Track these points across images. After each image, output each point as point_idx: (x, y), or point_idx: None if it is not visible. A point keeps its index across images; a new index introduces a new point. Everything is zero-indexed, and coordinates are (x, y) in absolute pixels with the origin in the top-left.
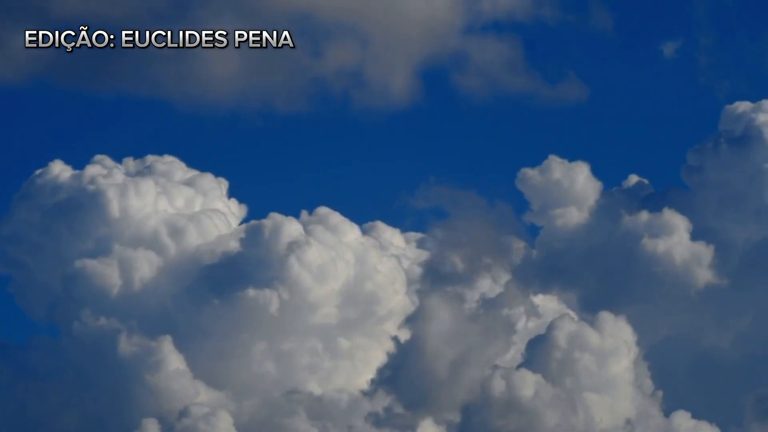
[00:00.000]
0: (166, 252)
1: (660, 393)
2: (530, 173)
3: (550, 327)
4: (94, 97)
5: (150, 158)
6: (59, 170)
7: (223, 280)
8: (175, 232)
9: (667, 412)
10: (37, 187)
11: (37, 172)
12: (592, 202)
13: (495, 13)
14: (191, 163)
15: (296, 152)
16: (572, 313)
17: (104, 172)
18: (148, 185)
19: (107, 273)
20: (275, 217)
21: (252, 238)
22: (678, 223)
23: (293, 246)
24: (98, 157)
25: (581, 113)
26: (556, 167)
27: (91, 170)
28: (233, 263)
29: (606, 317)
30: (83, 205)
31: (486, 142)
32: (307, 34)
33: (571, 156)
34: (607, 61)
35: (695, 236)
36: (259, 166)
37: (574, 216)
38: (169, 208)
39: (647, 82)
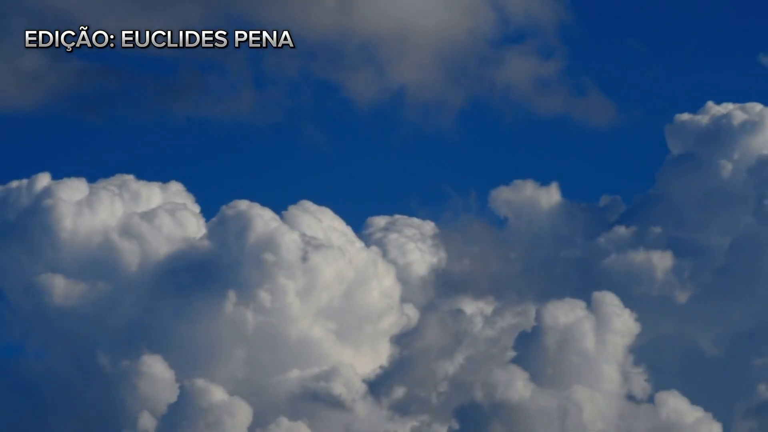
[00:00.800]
0: (136, 259)
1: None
2: (504, 191)
3: (539, 317)
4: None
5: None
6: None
7: (198, 284)
8: (142, 238)
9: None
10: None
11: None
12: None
13: (523, 28)
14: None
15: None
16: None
17: (69, 185)
18: (112, 195)
19: (73, 286)
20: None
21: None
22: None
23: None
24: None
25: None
26: (528, 186)
27: (52, 185)
28: (206, 265)
29: (601, 298)
30: (45, 220)
31: (488, 156)
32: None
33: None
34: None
35: (671, 248)
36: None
37: (550, 231)
38: (135, 215)
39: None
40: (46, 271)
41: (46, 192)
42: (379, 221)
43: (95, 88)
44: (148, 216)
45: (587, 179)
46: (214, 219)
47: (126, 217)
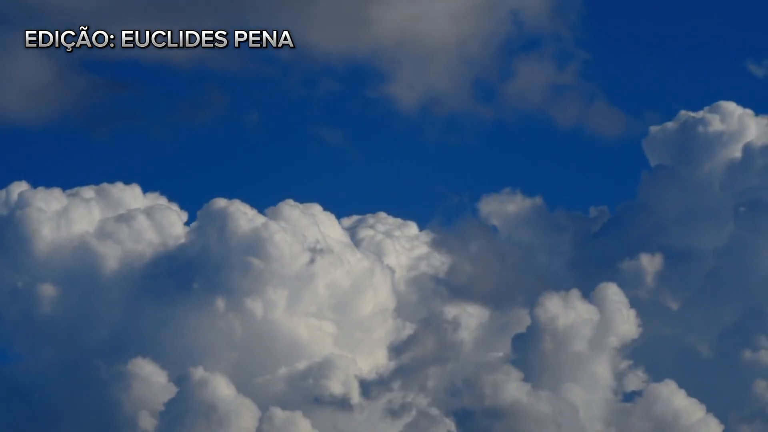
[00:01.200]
0: (117, 264)
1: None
2: (493, 199)
3: (534, 311)
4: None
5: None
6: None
7: (185, 288)
8: (124, 243)
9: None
10: None
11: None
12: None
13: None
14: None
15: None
16: None
17: (48, 194)
18: (94, 204)
19: (59, 292)
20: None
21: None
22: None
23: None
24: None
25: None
26: (516, 196)
27: (29, 193)
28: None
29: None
30: (26, 229)
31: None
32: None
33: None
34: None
35: (659, 253)
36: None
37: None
38: (112, 219)
39: None
40: (30, 278)
41: (23, 200)
42: (355, 220)
43: (98, 100)
44: (127, 218)
45: (576, 189)
46: (198, 219)
47: (103, 222)
